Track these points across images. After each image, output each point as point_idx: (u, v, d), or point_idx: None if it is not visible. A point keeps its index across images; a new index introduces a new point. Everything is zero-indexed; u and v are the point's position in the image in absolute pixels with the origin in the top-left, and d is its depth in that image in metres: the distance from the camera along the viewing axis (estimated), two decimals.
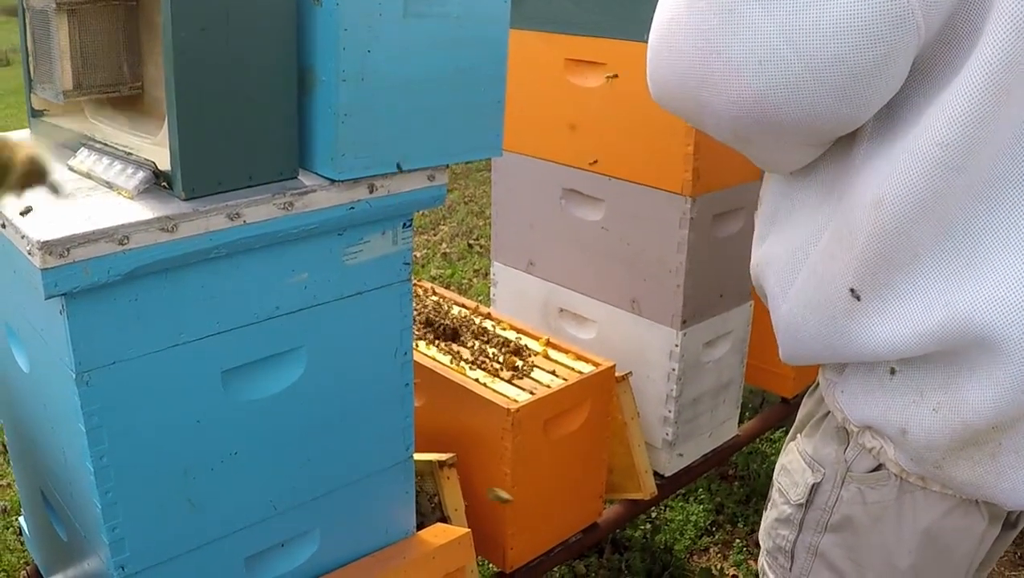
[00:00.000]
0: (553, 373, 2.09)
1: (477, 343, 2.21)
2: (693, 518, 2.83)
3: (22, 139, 1.23)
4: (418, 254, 4.99)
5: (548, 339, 2.24)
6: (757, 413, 3.09)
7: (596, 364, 2.13)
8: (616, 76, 2.10)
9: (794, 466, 1.22)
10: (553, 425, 2.01)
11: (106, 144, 1.32)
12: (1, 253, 1.27)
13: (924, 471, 1.08)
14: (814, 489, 1.19)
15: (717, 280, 2.27)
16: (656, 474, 2.34)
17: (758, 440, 3.07)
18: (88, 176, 1.28)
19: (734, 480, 3.05)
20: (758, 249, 1.20)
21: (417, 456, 1.70)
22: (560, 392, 2.01)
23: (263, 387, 1.36)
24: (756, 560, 1.38)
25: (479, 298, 4.01)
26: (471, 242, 5.18)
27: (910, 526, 1.12)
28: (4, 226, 1.15)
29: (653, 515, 2.82)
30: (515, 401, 1.93)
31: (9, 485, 2.94)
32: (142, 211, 1.17)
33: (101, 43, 1.41)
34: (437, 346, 2.18)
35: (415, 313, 2.30)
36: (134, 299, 1.19)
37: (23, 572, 2.50)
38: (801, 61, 0.87)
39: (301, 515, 1.49)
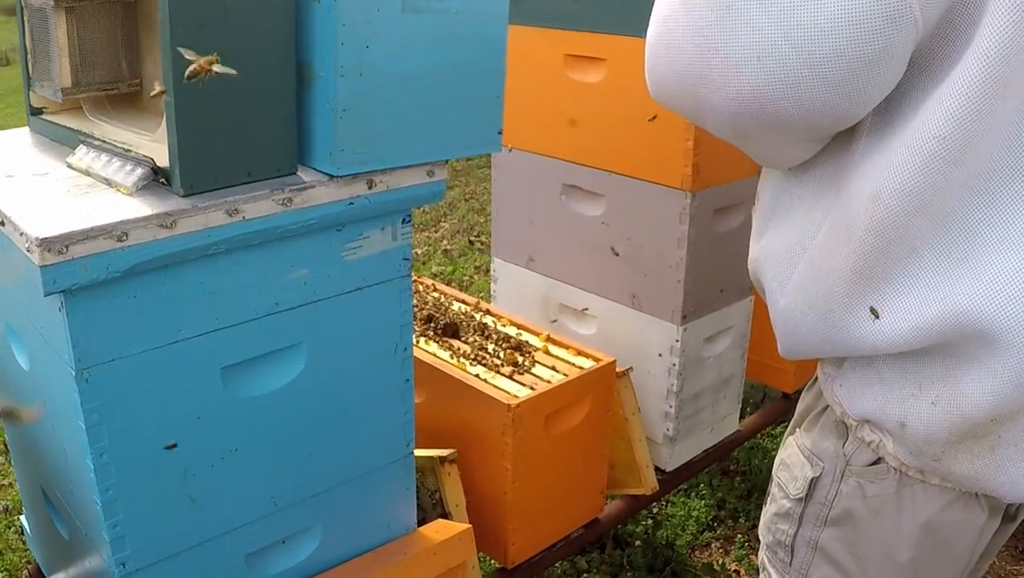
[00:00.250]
0: (554, 369, 2.09)
1: (478, 339, 2.21)
2: (695, 514, 2.83)
3: None
4: (419, 251, 4.99)
5: (548, 335, 2.24)
6: (758, 408, 3.09)
7: (597, 359, 2.13)
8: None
9: (793, 460, 1.22)
10: (554, 421, 2.02)
11: (105, 141, 1.32)
12: (0, 251, 1.27)
13: (923, 464, 1.08)
14: (813, 483, 1.19)
15: (717, 275, 2.27)
16: (657, 469, 2.34)
17: (759, 435, 3.07)
18: (87, 173, 1.28)
19: (735, 475, 3.05)
20: (756, 244, 1.20)
21: (418, 452, 1.70)
22: (561, 387, 2.01)
23: (263, 383, 1.37)
24: (757, 555, 1.38)
25: (480, 295, 4.02)
26: (472, 239, 5.18)
27: (910, 519, 1.12)
28: (3, 223, 1.15)
29: (655, 510, 2.82)
30: (516, 397, 1.93)
31: (11, 484, 2.95)
32: (141, 208, 1.16)
33: (99, 40, 1.41)
34: (438, 342, 2.18)
35: (416, 309, 2.30)
36: (133, 296, 1.19)
37: (25, 571, 2.50)
38: (799, 57, 0.87)
39: (302, 512, 1.49)
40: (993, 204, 0.95)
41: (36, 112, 1.49)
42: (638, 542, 2.69)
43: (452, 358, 2.11)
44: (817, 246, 1.06)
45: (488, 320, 2.31)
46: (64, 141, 1.42)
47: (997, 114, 0.91)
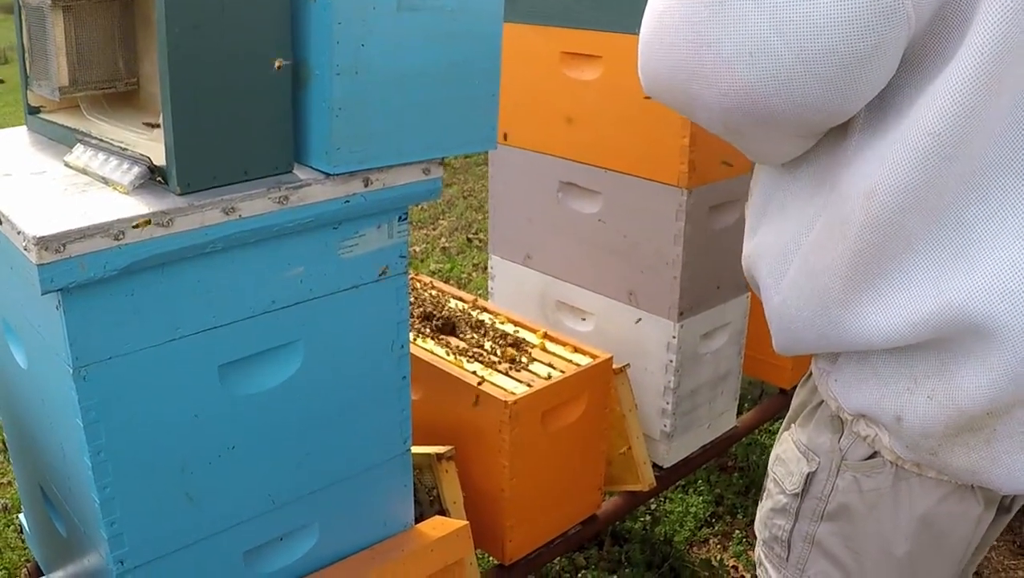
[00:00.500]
0: (551, 365, 2.09)
1: (475, 336, 2.21)
2: (693, 510, 2.83)
3: None
4: (417, 249, 5.00)
5: (545, 332, 2.25)
6: (756, 404, 3.10)
7: (594, 356, 2.14)
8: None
9: (789, 456, 1.22)
10: (551, 417, 2.02)
11: (102, 140, 1.33)
12: None
13: (920, 458, 1.08)
14: (809, 478, 1.19)
15: (714, 272, 2.28)
16: (655, 466, 2.35)
17: (757, 431, 3.08)
18: (84, 172, 1.28)
19: (733, 471, 3.05)
20: (749, 241, 1.21)
21: (415, 449, 1.70)
22: (558, 384, 2.01)
23: (260, 381, 1.37)
24: (754, 551, 1.39)
25: (479, 292, 4.02)
26: (470, 236, 5.19)
27: (906, 513, 1.12)
28: (0, 222, 1.16)
29: (653, 507, 2.83)
30: (513, 393, 1.93)
31: (10, 483, 2.95)
32: (138, 206, 1.17)
33: (97, 39, 1.41)
34: (435, 339, 2.19)
35: (413, 307, 2.30)
36: (130, 294, 1.19)
37: (24, 569, 2.51)
38: (792, 53, 0.87)
39: (299, 509, 1.49)
40: (988, 199, 0.96)
41: (34, 111, 1.50)
42: (636, 538, 2.70)
43: (449, 355, 2.11)
44: (811, 243, 1.06)
45: (485, 317, 2.32)
46: (61, 140, 1.42)
47: (991, 110, 0.91)
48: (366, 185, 1.35)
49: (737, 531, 2.77)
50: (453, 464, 1.89)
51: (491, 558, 2.15)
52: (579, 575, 2.56)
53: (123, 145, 1.29)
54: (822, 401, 1.18)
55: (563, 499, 2.15)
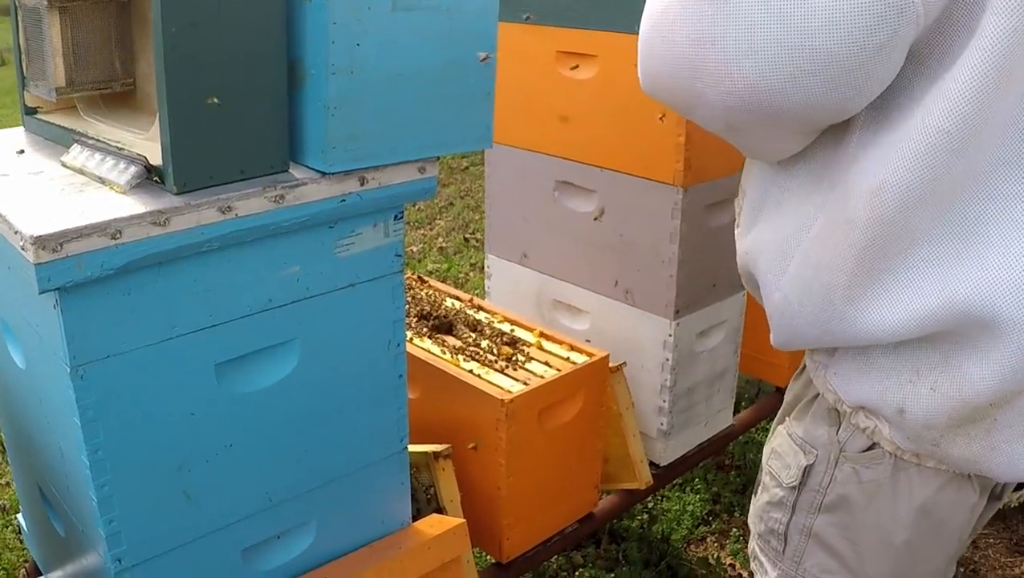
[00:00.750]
0: (547, 364, 2.09)
1: (471, 335, 2.22)
2: (690, 508, 2.84)
3: None
4: (415, 249, 5.00)
5: (542, 330, 2.25)
6: (752, 403, 3.10)
7: (590, 355, 2.14)
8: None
9: (785, 449, 1.23)
10: (547, 416, 2.02)
11: (99, 140, 1.33)
12: None
13: (921, 449, 1.09)
14: (807, 471, 1.20)
15: (710, 270, 2.28)
16: (652, 464, 2.35)
17: (754, 429, 3.08)
18: (81, 172, 1.29)
19: (730, 469, 3.06)
20: (744, 238, 1.21)
21: (412, 448, 1.71)
22: (554, 382, 2.01)
23: (257, 380, 1.37)
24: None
25: (476, 292, 4.02)
26: (467, 236, 5.19)
27: (905, 503, 1.13)
28: None
29: (650, 505, 2.84)
30: (509, 392, 1.94)
31: (8, 483, 2.95)
32: (134, 205, 1.17)
33: (93, 40, 1.41)
34: (431, 338, 2.19)
35: (409, 306, 2.30)
36: (127, 293, 1.20)
37: (22, 570, 2.51)
38: (797, 50, 0.87)
39: (297, 507, 1.50)
40: (994, 194, 0.96)
41: (31, 112, 1.50)
42: (633, 537, 2.71)
43: (446, 354, 2.12)
44: (812, 239, 1.06)
45: (482, 316, 2.32)
46: (58, 140, 1.42)
47: (1000, 105, 0.91)
48: (362, 184, 1.36)
49: (734, 529, 2.78)
50: (450, 462, 1.89)
51: (488, 556, 2.16)
52: (576, 573, 2.56)
53: (120, 145, 1.30)
54: (818, 394, 1.19)
55: (560, 497, 2.15)
